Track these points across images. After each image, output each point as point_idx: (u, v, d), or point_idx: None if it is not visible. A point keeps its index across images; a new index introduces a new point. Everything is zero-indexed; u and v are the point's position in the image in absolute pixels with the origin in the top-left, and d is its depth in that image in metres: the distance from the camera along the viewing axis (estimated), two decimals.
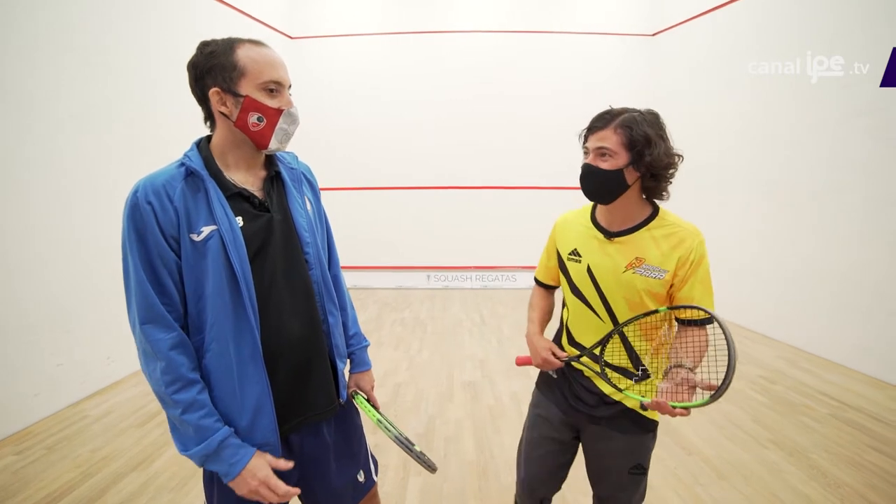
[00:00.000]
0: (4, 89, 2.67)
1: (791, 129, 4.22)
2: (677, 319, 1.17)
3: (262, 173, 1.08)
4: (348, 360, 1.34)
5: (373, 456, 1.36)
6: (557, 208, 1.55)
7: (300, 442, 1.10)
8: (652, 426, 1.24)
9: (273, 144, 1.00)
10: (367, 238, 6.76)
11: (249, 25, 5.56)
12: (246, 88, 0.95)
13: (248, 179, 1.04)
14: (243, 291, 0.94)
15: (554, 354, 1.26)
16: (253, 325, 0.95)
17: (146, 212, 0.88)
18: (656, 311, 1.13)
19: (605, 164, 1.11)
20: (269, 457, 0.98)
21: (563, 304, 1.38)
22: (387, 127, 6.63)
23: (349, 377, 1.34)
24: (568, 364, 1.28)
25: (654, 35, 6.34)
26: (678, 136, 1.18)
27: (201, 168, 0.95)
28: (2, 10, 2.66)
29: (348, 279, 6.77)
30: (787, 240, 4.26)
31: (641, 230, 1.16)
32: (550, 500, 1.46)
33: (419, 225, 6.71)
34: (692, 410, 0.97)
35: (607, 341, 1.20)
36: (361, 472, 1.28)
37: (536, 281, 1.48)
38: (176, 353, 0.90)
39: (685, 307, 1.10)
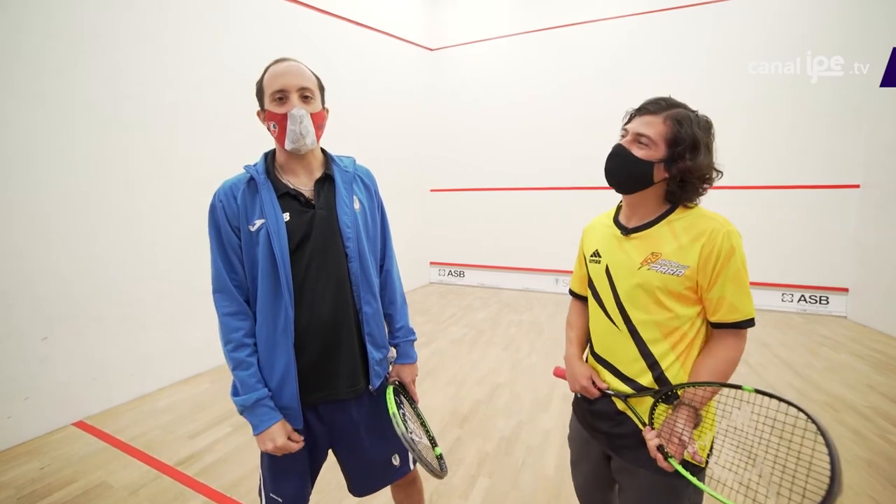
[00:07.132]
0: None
1: None
2: (710, 323, 1.03)
3: (317, 175, 1.25)
4: (393, 350, 1.44)
5: (414, 446, 1.36)
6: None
7: (329, 413, 1.25)
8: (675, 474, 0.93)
9: (287, 144, 1.15)
10: (494, 238, 6.89)
11: (396, 45, 6.27)
12: (266, 103, 1.15)
13: (302, 181, 1.23)
14: (281, 275, 1.13)
15: (594, 384, 1.15)
16: (287, 305, 1.14)
17: (218, 208, 1.15)
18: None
19: (638, 152, 1.04)
20: (288, 427, 1.15)
21: None
22: (516, 128, 6.61)
23: (392, 367, 1.43)
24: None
25: None
26: None
27: (260, 173, 1.17)
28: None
29: (474, 277, 7.13)
30: None
31: (660, 223, 1.07)
32: None
33: (548, 227, 6.50)
34: None
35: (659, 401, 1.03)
36: (397, 455, 1.36)
37: (571, 293, 1.39)
38: (232, 318, 1.14)
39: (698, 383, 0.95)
